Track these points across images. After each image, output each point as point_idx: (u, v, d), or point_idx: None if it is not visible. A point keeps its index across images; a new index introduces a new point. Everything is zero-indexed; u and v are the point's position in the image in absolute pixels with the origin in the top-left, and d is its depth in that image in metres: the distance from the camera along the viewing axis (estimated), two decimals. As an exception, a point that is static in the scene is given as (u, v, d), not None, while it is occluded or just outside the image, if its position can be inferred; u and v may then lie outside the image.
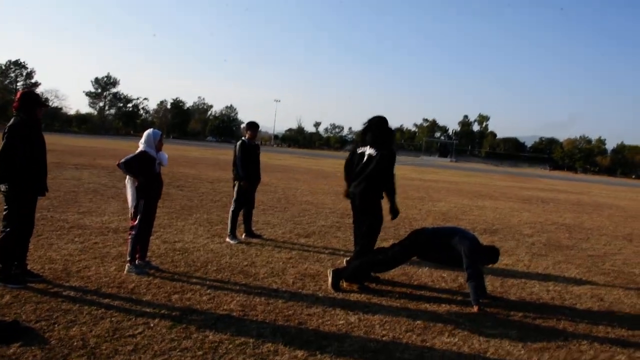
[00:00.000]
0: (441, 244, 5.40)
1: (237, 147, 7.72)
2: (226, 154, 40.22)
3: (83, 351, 3.49)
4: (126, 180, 5.63)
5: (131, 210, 5.58)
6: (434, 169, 49.58)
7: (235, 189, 7.73)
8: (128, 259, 5.51)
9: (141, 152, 5.51)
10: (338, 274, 5.45)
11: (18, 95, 5.00)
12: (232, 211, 7.64)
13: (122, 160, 5.45)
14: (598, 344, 4.39)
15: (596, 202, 22.08)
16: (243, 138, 7.89)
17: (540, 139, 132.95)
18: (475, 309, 5.02)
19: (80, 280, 5.05)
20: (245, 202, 7.78)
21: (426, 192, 18.87)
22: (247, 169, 7.64)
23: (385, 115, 5.92)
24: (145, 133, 5.69)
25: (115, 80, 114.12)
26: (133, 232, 5.52)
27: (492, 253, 5.45)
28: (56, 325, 3.88)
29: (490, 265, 6.94)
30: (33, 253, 5.86)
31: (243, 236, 7.76)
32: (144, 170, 5.49)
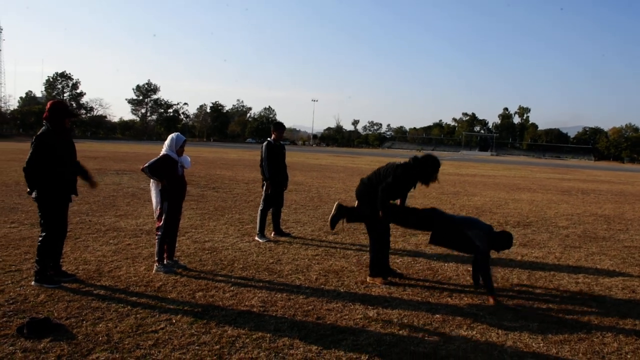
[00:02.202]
0: (456, 231, 5.38)
1: (263, 147, 7.84)
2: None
3: (107, 346, 3.66)
4: (150, 184, 5.83)
5: (156, 212, 5.79)
6: (472, 163, 48.75)
7: (264, 188, 7.86)
8: (156, 258, 5.72)
9: (164, 155, 5.70)
10: (342, 210, 5.72)
11: (48, 105, 5.26)
12: (261, 210, 7.78)
13: (146, 164, 5.66)
14: (623, 337, 4.29)
15: (642, 192, 21.24)
16: (269, 139, 8.00)
17: (584, 129, 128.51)
18: (491, 300, 5.00)
19: (110, 279, 5.28)
20: (274, 201, 7.91)
21: (462, 187, 18.61)
22: (273, 170, 7.75)
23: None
24: (169, 137, 5.88)
25: (156, 86, 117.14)
26: (159, 233, 5.72)
27: (506, 239, 5.34)
28: (84, 322, 4.09)
29: (520, 258, 6.89)
30: (69, 255, 6.17)
31: (272, 235, 7.90)
32: (167, 173, 5.68)
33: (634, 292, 5.66)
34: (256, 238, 7.61)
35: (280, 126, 8.20)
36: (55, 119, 5.14)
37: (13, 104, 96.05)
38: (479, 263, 5.23)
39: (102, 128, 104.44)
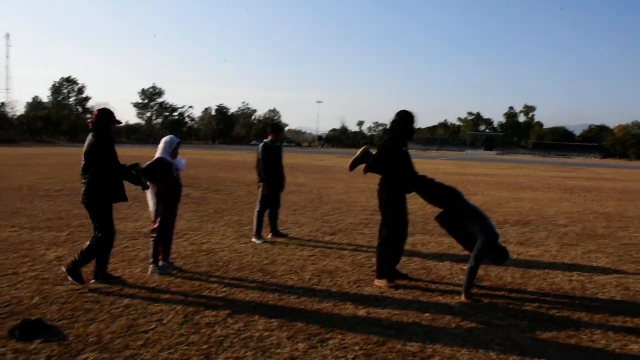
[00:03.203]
0: (463, 219, 5.38)
1: (260, 148, 7.88)
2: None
3: (97, 346, 3.72)
4: None
5: (152, 214, 5.85)
6: (477, 162, 48.65)
7: (260, 189, 7.89)
8: (151, 260, 5.77)
9: (158, 158, 5.76)
10: (366, 155, 5.86)
11: (95, 112, 5.38)
12: (257, 211, 7.81)
13: (141, 167, 5.72)
14: (612, 333, 4.29)
15: (646, 189, 21.14)
16: (266, 140, 8.02)
17: (590, 126, 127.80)
18: (463, 297, 5.04)
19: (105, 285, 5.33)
20: (270, 202, 7.94)
21: (464, 186, 18.58)
22: (269, 171, 7.80)
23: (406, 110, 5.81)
24: (163, 140, 5.94)
25: (161, 90, 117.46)
26: (154, 235, 5.78)
27: (501, 254, 5.29)
28: (76, 323, 4.15)
29: (516, 256, 6.87)
30: (67, 258, 6.23)
31: (269, 236, 7.94)
32: (162, 176, 5.73)
33: (627, 290, 5.66)
34: (253, 239, 7.66)
35: (277, 127, 8.25)
36: (103, 125, 5.26)
37: (20, 109, 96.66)
38: (474, 258, 5.16)
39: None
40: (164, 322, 4.23)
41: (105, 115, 5.32)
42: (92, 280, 5.26)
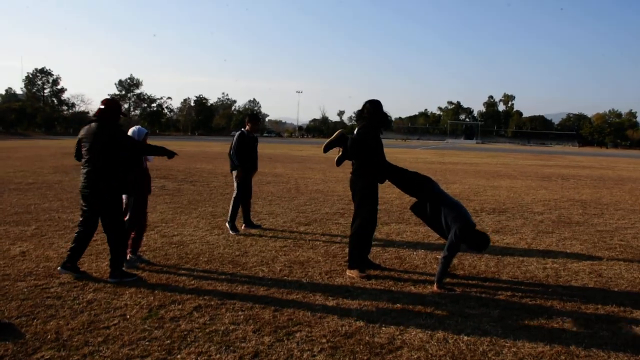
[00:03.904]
0: (438, 208, 5.32)
1: (235, 137, 7.76)
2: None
3: (54, 344, 3.57)
4: None
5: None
6: (456, 151, 48.95)
7: (235, 176, 7.76)
8: None
9: None
10: (343, 139, 5.78)
11: (107, 102, 5.20)
12: (234, 198, 7.69)
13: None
14: (583, 321, 4.28)
15: (620, 176, 21.45)
16: (243, 129, 7.89)
17: (568, 115, 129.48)
18: (435, 287, 4.98)
19: (71, 276, 5.15)
20: (246, 188, 7.82)
21: (442, 175, 18.63)
22: (242, 159, 7.67)
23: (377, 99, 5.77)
24: (131, 131, 5.75)
25: (138, 81, 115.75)
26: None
27: (482, 241, 5.23)
28: (35, 320, 3.98)
29: (491, 245, 6.86)
30: (32, 252, 6.04)
31: (242, 227, 7.81)
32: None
33: (600, 276, 5.67)
34: (227, 225, 7.55)
35: (255, 118, 8.14)
36: (115, 116, 5.17)
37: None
38: (447, 248, 5.10)
39: (85, 124, 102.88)
40: (127, 317, 4.09)
41: (118, 106, 5.30)
42: (59, 268, 5.14)
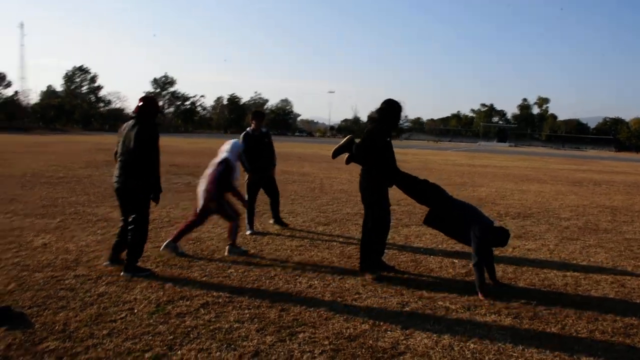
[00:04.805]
0: (451, 214, 5.23)
1: (240, 139, 7.45)
2: (278, 146, 40.61)
3: (61, 335, 3.64)
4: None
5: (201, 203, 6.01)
6: (487, 154, 48.10)
7: (245, 181, 7.65)
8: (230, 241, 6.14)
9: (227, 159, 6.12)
10: (351, 143, 5.78)
11: (146, 100, 5.28)
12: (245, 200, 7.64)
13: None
14: (599, 333, 4.11)
15: (658, 183, 20.67)
16: (248, 129, 7.71)
17: (605, 119, 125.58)
18: (480, 296, 4.83)
19: (86, 269, 5.26)
20: (260, 190, 7.79)
21: (470, 178, 18.33)
22: (254, 160, 7.52)
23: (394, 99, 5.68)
24: (230, 143, 6.35)
25: (173, 79, 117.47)
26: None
27: (502, 235, 5.13)
28: (46, 311, 4.07)
29: (511, 250, 6.70)
30: (53, 245, 6.19)
31: (271, 221, 7.91)
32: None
33: (622, 287, 5.46)
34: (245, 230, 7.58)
35: (258, 114, 7.88)
36: (153, 114, 5.27)
37: (34, 98, 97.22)
38: (476, 252, 4.96)
39: (120, 120, 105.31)
40: (135, 311, 4.14)
41: (154, 104, 5.34)
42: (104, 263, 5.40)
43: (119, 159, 5.18)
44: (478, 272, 4.91)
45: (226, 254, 6.04)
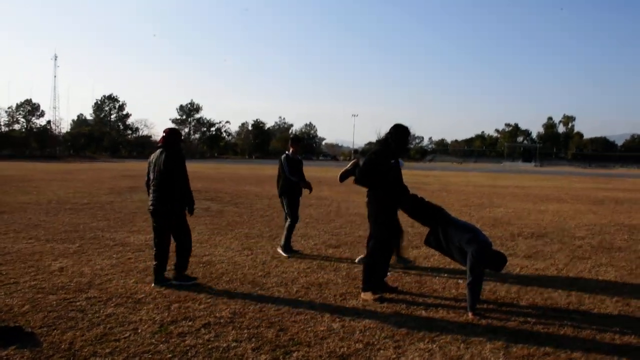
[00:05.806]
0: (450, 234, 5.30)
1: (283, 160, 7.81)
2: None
3: (66, 353, 3.83)
4: None
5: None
6: (511, 174, 47.59)
7: (285, 203, 7.80)
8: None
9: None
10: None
11: (170, 131, 6.00)
12: (289, 226, 7.72)
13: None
14: (595, 353, 4.11)
15: (685, 201, 20.18)
16: (287, 152, 8.01)
17: (633, 136, 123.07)
18: (470, 315, 4.88)
19: (98, 291, 5.48)
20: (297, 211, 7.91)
21: (489, 198, 18.24)
22: (298, 176, 7.80)
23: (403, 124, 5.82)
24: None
25: (199, 106, 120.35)
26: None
27: (499, 260, 5.17)
28: (55, 331, 4.28)
29: (518, 270, 6.67)
30: (69, 269, 6.45)
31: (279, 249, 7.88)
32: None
33: (627, 305, 5.43)
34: (279, 251, 7.69)
35: (296, 140, 8.37)
36: (177, 143, 5.95)
37: (65, 127, 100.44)
38: (470, 272, 5.00)
39: (148, 147, 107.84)
40: (139, 331, 4.31)
41: (177, 135, 6.03)
42: (152, 284, 5.81)
43: (152, 184, 5.84)
44: (471, 291, 4.96)
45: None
